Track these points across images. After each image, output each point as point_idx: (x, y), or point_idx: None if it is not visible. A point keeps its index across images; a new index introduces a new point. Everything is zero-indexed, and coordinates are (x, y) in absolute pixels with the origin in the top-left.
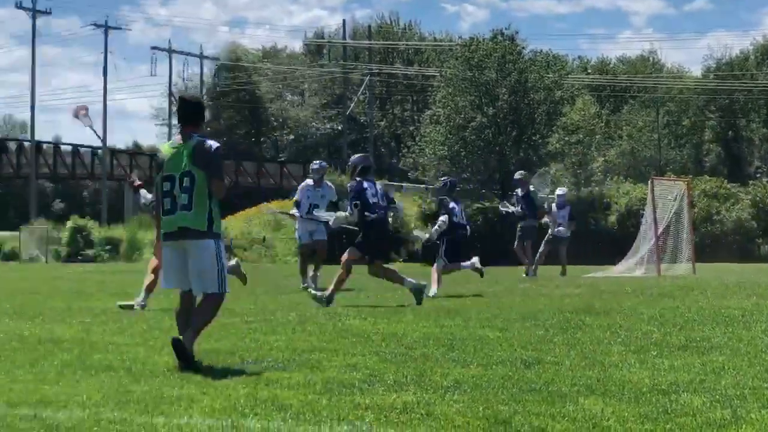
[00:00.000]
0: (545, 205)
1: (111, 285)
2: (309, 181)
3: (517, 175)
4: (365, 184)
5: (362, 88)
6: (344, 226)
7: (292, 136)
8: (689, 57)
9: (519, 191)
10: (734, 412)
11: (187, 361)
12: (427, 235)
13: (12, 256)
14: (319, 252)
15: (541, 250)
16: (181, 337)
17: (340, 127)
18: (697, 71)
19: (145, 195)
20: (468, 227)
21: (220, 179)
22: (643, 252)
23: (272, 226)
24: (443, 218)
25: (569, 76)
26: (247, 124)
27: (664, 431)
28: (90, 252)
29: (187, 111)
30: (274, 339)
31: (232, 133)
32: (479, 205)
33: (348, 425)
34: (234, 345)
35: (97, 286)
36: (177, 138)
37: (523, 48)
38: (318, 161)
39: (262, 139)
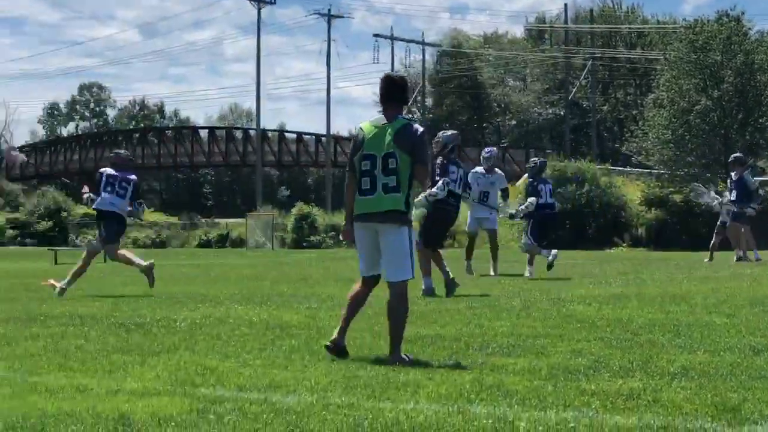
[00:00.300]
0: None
1: (335, 271)
2: (479, 168)
3: (732, 158)
4: (451, 167)
5: (584, 72)
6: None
7: (514, 122)
8: None
9: (733, 175)
10: None
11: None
12: (513, 211)
13: (239, 243)
14: (490, 241)
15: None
16: (334, 339)
17: (562, 113)
18: None
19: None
20: (556, 207)
21: (424, 165)
22: None
23: None
24: (531, 199)
25: None
26: (469, 110)
27: None
28: (315, 238)
29: (392, 90)
30: (498, 325)
31: (454, 119)
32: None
33: (574, 411)
34: (459, 331)
35: (322, 273)
36: (379, 117)
37: (750, 29)
38: (489, 148)
39: (484, 125)
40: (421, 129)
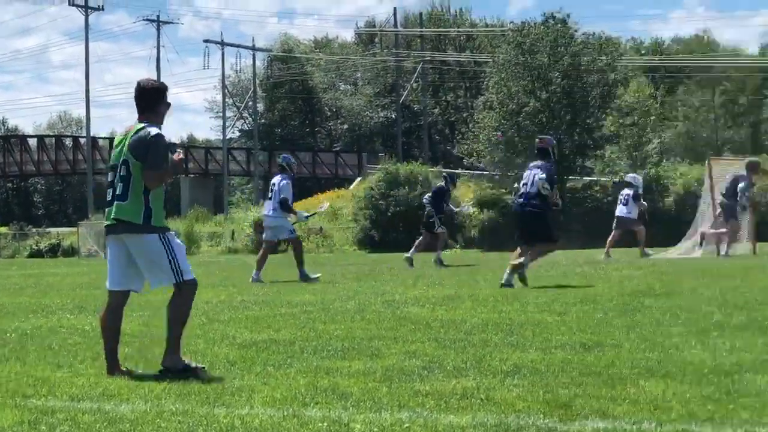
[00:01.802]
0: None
1: None
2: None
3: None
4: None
5: (415, 75)
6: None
7: (346, 126)
8: (745, 35)
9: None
10: None
11: (188, 371)
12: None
13: (71, 252)
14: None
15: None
16: (162, 366)
17: (393, 116)
18: (753, 49)
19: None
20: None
21: (151, 169)
22: (701, 233)
23: (329, 217)
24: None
25: (622, 57)
26: (301, 115)
27: (727, 412)
28: None
29: (137, 97)
30: (333, 328)
31: (287, 124)
32: None
33: (408, 412)
34: (293, 335)
35: None
36: (129, 125)
37: (576, 31)
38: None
39: (316, 129)
40: (154, 131)
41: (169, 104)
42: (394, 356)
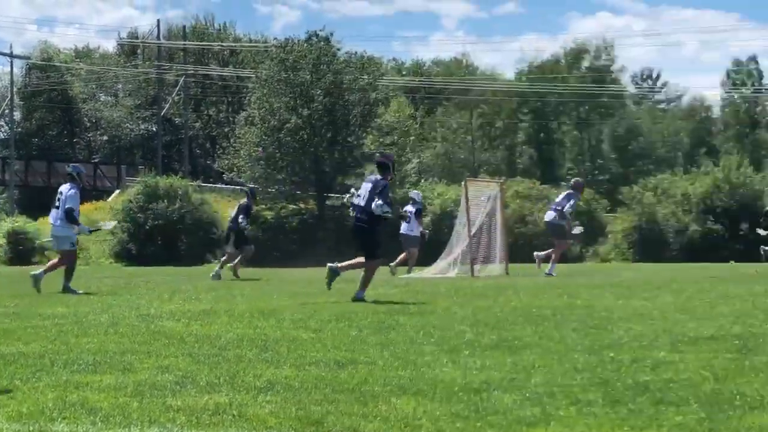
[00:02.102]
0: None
1: None
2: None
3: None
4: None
5: (177, 89)
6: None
7: (105, 137)
8: (502, 59)
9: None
10: (543, 409)
11: None
12: None
13: None
14: None
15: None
16: None
17: (154, 128)
18: (510, 74)
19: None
20: None
21: None
22: (456, 253)
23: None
24: None
25: (384, 77)
26: (60, 125)
27: (475, 429)
28: None
29: None
30: (85, 341)
31: (44, 133)
32: (294, 207)
33: (159, 427)
34: (44, 348)
35: None
36: None
37: (338, 49)
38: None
39: (75, 140)
40: None
41: None
42: (147, 371)
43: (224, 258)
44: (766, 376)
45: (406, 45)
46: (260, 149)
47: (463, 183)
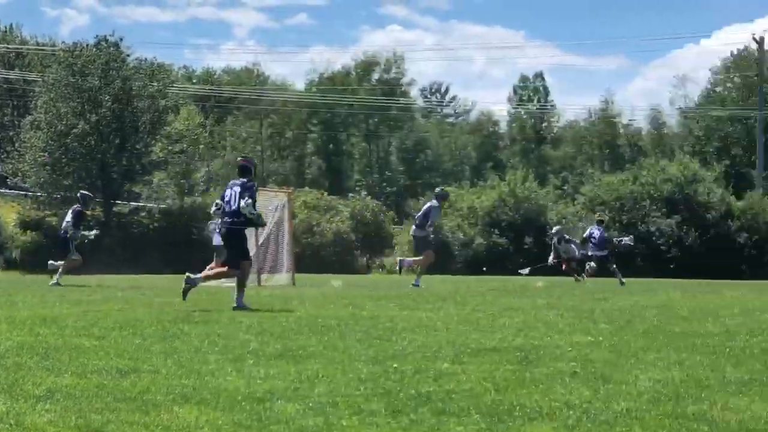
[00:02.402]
0: None
1: None
2: None
3: None
4: None
5: None
6: None
7: None
8: (293, 70)
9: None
10: (326, 419)
11: None
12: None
13: None
14: None
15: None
16: None
17: None
18: (300, 85)
19: None
20: None
21: None
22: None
23: None
24: None
25: (174, 85)
26: None
27: None
28: None
29: None
30: None
31: None
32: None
33: None
34: None
35: None
36: None
37: (128, 55)
38: None
39: None
40: None
41: None
42: None
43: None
44: (545, 387)
45: (197, 53)
46: (46, 154)
47: None
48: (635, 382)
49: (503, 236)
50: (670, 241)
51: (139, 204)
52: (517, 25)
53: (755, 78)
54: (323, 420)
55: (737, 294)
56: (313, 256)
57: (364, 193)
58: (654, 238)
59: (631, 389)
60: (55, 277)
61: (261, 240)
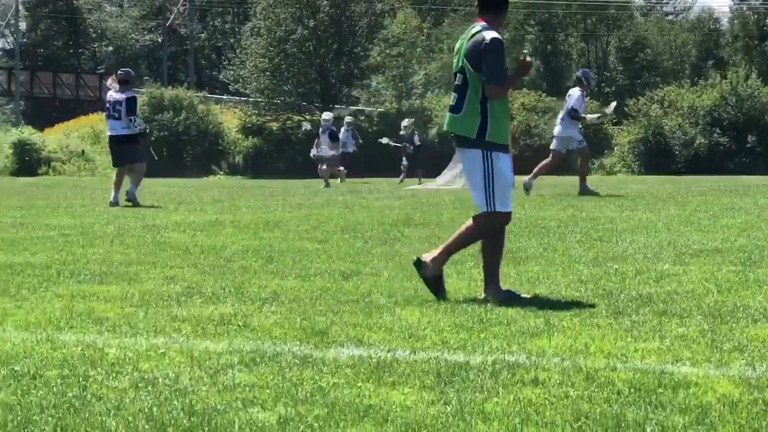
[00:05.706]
0: None
1: None
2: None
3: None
4: None
5: None
6: None
7: (111, 48)
8: None
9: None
10: (547, 320)
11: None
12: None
13: None
14: None
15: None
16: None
17: (160, 39)
18: None
19: None
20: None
21: (490, 82)
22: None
23: (91, 139)
24: None
25: None
26: (65, 35)
27: (478, 340)
28: None
29: None
30: (91, 252)
31: (49, 44)
32: (299, 118)
33: (165, 337)
34: (50, 258)
35: None
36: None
37: None
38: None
39: (80, 51)
40: (491, 36)
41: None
42: (152, 281)
43: None
44: None
45: None
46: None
47: None
48: None
49: (725, 135)
50: None
51: (358, 108)
52: None
53: None
54: (543, 321)
55: None
56: (533, 158)
57: None
58: None
59: None
60: None
61: None
